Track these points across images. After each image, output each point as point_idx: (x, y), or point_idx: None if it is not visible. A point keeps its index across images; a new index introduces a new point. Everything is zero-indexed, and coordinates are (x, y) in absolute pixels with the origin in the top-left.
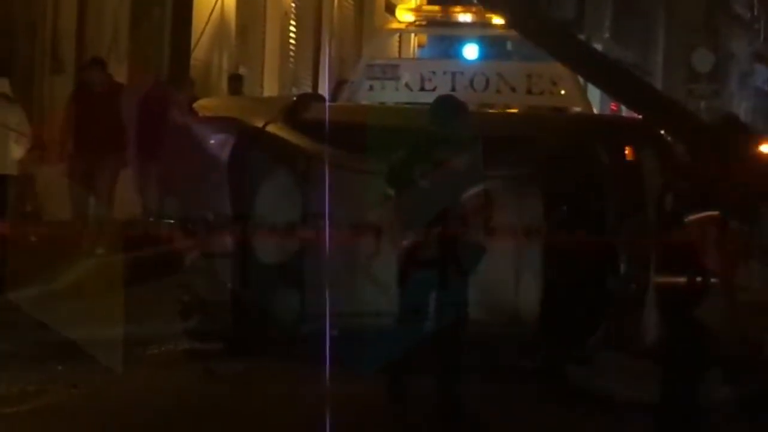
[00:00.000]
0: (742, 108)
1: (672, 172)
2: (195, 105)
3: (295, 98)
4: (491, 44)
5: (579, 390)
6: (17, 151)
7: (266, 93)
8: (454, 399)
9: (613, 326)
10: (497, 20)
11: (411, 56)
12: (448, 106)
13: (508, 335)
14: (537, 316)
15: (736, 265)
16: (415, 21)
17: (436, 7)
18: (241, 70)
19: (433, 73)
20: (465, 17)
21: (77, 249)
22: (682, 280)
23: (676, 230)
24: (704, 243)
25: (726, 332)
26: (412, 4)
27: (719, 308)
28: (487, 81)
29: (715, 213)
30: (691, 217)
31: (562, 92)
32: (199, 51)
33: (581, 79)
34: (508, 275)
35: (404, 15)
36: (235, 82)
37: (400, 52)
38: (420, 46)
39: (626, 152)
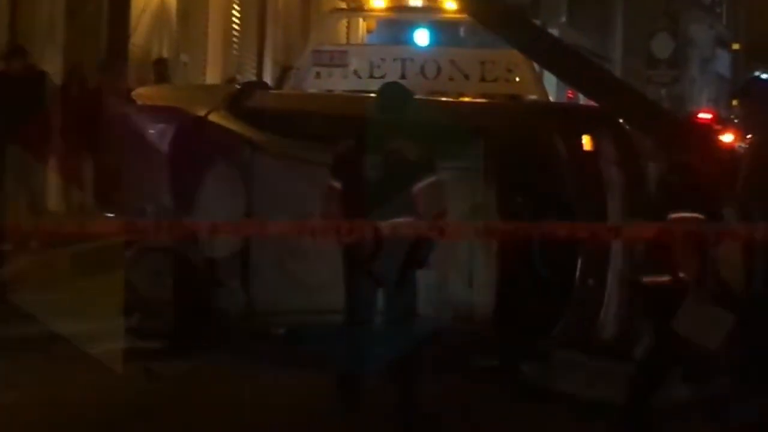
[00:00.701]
0: (702, 95)
1: (633, 162)
2: (134, 93)
3: (239, 86)
4: (443, 30)
5: (536, 388)
6: None
7: (209, 81)
8: (409, 397)
9: (571, 323)
10: (450, 4)
11: (360, 42)
12: (393, 93)
13: (463, 332)
14: (492, 312)
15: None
16: (363, 5)
17: None
18: (183, 57)
19: (383, 59)
20: (416, 1)
21: (9, 243)
22: (666, 279)
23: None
24: (683, 243)
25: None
26: None
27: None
28: (439, 68)
29: (698, 215)
30: (674, 216)
31: (517, 79)
32: (138, 37)
33: (537, 66)
34: (462, 270)
35: None
36: (160, 67)
37: (348, 37)
38: (369, 31)
39: (583, 142)
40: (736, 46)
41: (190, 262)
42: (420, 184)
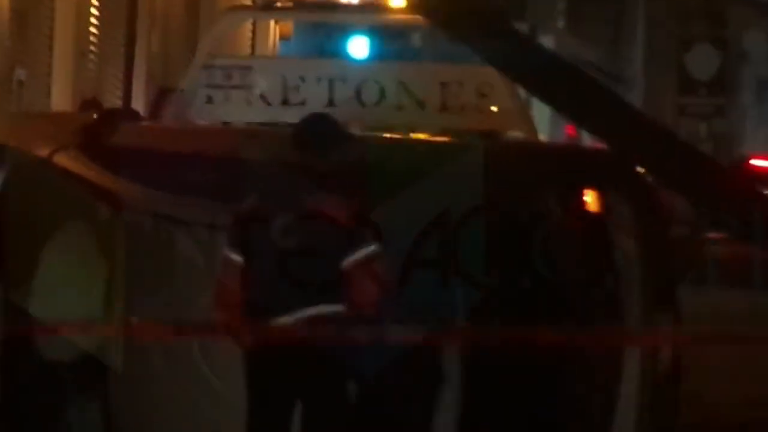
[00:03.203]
0: (760, 131)
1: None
2: None
3: (97, 115)
4: (389, 37)
5: None
6: None
7: (55, 107)
8: None
9: None
10: (397, 1)
11: (270, 54)
12: (319, 128)
13: None
14: None
15: None
16: (276, 1)
17: None
18: (18, 74)
19: (302, 79)
20: None
21: None
22: None
23: None
24: None
25: None
26: None
27: None
28: (383, 91)
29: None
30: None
31: (494, 109)
32: None
33: (522, 91)
34: (414, 384)
35: None
36: None
37: (253, 47)
38: (283, 38)
39: (586, 200)
40: None
41: (23, 368)
42: (351, 257)
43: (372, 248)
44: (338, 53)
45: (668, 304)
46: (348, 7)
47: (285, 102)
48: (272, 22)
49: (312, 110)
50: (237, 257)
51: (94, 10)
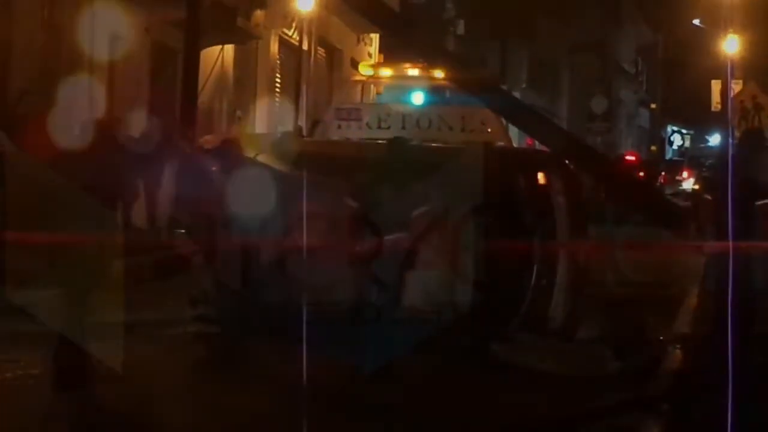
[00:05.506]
0: (628, 142)
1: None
2: (202, 140)
3: (279, 134)
4: (434, 92)
5: (502, 362)
6: None
7: (257, 130)
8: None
9: (529, 313)
10: (439, 74)
11: (371, 101)
12: (397, 144)
13: (448, 320)
14: (470, 305)
15: None
16: (373, 74)
17: (390, 63)
18: (238, 113)
19: (388, 115)
20: (413, 71)
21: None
22: None
23: None
24: None
25: None
26: (372, 62)
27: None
28: (431, 121)
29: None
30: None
31: (489, 130)
32: (204, 96)
33: (504, 120)
34: (448, 274)
35: (365, 70)
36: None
37: (362, 98)
38: (378, 93)
39: (538, 177)
40: (653, 106)
41: (241, 265)
42: (416, 212)
43: (425, 209)
44: (407, 101)
45: (582, 230)
46: (412, 77)
47: (379, 127)
48: (372, 85)
49: (393, 132)
50: (353, 204)
51: (278, 79)
